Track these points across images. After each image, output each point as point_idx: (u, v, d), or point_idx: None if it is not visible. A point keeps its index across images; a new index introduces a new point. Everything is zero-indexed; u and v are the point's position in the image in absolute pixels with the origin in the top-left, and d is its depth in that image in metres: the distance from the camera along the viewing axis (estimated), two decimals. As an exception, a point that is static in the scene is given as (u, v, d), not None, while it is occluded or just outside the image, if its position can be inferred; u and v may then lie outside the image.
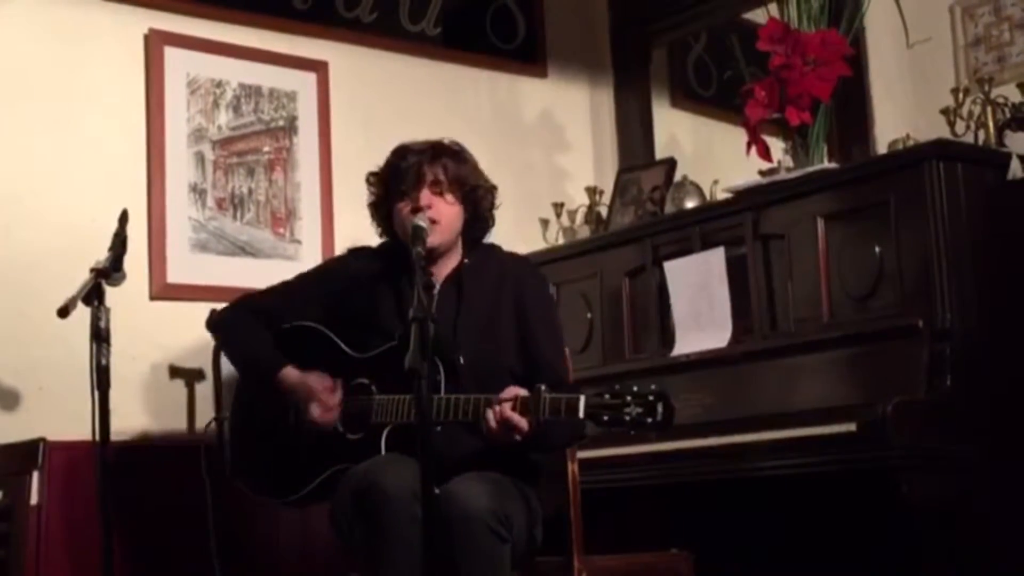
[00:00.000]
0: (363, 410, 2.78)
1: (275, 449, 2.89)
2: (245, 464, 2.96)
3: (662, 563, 3.15)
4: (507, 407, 2.56)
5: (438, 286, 2.83)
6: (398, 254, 2.90)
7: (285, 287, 3.04)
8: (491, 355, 2.81)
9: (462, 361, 2.76)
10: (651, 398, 2.47)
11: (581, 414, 2.51)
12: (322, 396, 2.81)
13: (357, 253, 3.06)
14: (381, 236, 3.01)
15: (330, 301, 2.93)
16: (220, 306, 3.60)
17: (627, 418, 2.47)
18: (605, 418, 2.49)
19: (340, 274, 2.98)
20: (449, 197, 2.84)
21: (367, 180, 2.96)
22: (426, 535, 2.24)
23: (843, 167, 3.53)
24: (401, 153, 2.88)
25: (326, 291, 2.95)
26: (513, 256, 3.00)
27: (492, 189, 2.96)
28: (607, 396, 2.50)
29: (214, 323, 3.10)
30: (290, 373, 2.86)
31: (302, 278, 3.05)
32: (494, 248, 3.00)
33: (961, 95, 3.54)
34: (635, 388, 2.50)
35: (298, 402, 2.84)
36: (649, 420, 2.46)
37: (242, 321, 2.98)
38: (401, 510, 2.48)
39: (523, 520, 2.67)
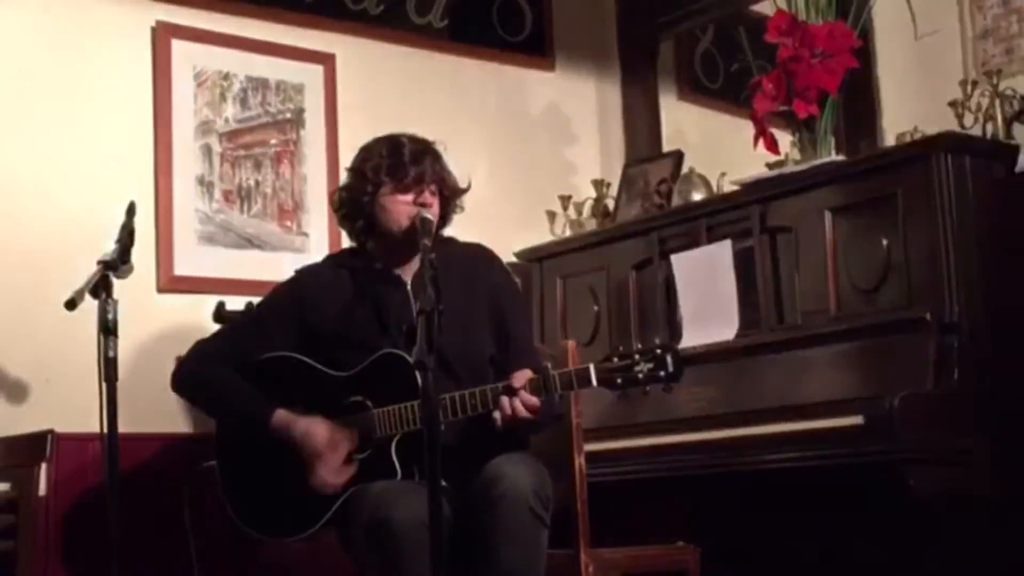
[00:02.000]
0: (365, 427, 2.73)
1: (277, 484, 2.77)
2: (244, 506, 2.82)
3: (668, 556, 3.15)
4: (524, 392, 2.57)
5: (409, 284, 2.82)
6: (354, 259, 2.90)
7: (246, 325, 2.98)
8: (473, 346, 2.81)
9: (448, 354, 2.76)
10: (659, 351, 2.50)
11: (594, 382, 2.53)
12: (327, 456, 2.70)
13: (305, 272, 2.96)
14: (350, 228, 2.92)
15: (297, 326, 2.84)
16: (226, 299, 3.63)
17: (640, 375, 2.50)
18: (619, 380, 2.52)
19: (297, 297, 2.88)
20: (438, 197, 2.85)
21: (359, 170, 2.86)
22: (435, 537, 2.22)
23: (850, 160, 3.53)
24: (397, 146, 2.83)
25: (290, 318, 2.85)
26: (471, 246, 2.97)
27: (463, 192, 2.93)
28: (615, 359, 2.53)
29: (180, 383, 2.90)
30: (283, 423, 2.74)
31: (260, 311, 2.96)
32: (449, 239, 2.95)
33: (969, 87, 3.54)
34: (639, 345, 2.54)
35: (300, 456, 2.72)
36: (662, 373, 2.49)
37: (211, 372, 2.84)
38: (416, 543, 2.42)
39: (555, 503, 2.68)
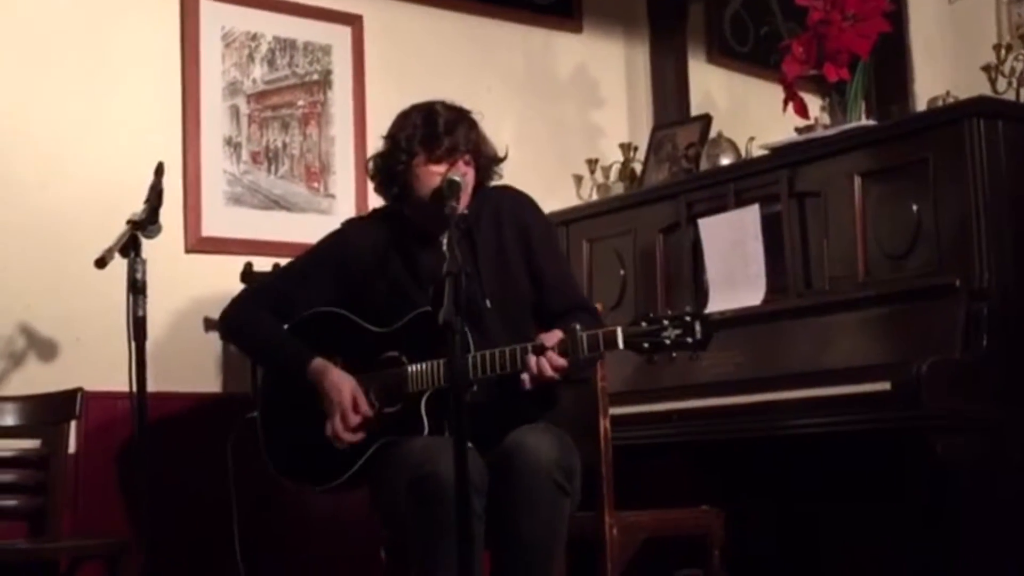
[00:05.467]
0: (397, 381, 2.76)
1: (310, 434, 2.82)
2: (280, 453, 2.90)
3: (693, 519, 3.16)
4: (552, 353, 2.56)
5: (444, 244, 2.80)
6: (395, 219, 2.91)
7: (291, 273, 3.00)
8: (512, 292, 2.83)
9: (489, 305, 2.77)
10: (688, 318, 2.47)
11: (620, 345, 2.52)
12: (347, 412, 2.73)
13: (351, 224, 3.03)
14: (385, 195, 2.93)
15: (340, 280, 2.89)
16: (253, 260, 3.65)
17: (667, 341, 2.48)
18: (645, 345, 2.50)
19: (342, 250, 2.93)
20: (472, 165, 2.84)
21: (393, 138, 2.85)
22: (461, 497, 2.23)
23: (881, 124, 3.50)
24: (432, 115, 2.82)
25: (334, 270, 2.90)
26: (502, 188, 2.96)
27: (501, 160, 2.93)
28: (643, 324, 2.51)
29: (226, 326, 3.01)
30: (319, 371, 2.79)
31: (305, 261, 2.99)
32: (480, 187, 2.93)
33: (1003, 51, 3.49)
34: (670, 312, 2.51)
35: (323, 405, 2.77)
36: (689, 340, 2.47)
37: (256, 318, 2.91)
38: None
39: (580, 473, 2.69)
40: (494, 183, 2.95)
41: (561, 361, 2.56)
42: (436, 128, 2.79)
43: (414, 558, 2.60)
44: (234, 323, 2.98)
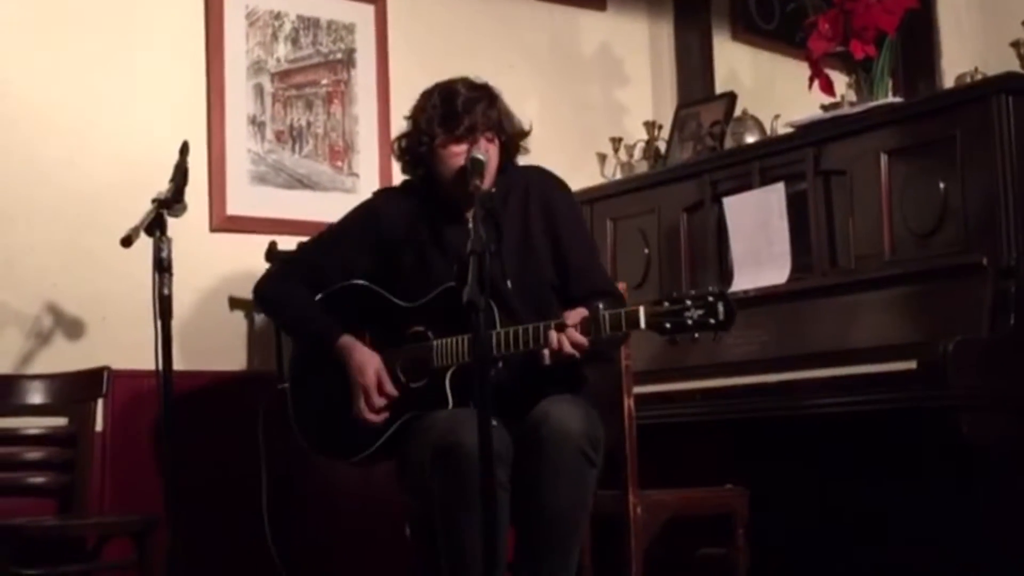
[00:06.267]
0: (423, 356, 2.76)
1: (338, 407, 2.84)
2: (309, 425, 2.92)
3: (717, 498, 3.16)
4: (573, 331, 2.56)
5: (471, 223, 2.81)
6: (425, 192, 2.90)
7: (322, 243, 3.00)
8: (533, 273, 2.82)
9: (509, 286, 2.77)
10: (711, 299, 2.45)
11: (642, 325, 2.50)
12: (371, 393, 2.76)
13: (382, 194, 3.03)
14: (412, 174, 2.93)
15: (371, 249, 2.90)
16: (277, 239, 3.66)
17: (689, 322, 2.46)
18: (667, 325, 2.48)
19: (373, 219, 2.93)
20: (495, 143, 2.83)
21: (414, 120, 2.86)
22: (486, 473, 2.23)
23: (908, 102, 3.47)
24: (450, 95, 2.80)
25: (365, 239, 2.91)
26: (531, 169, 2.95)
27: (526, 135, 2.91)
28: (666, 304, 2.49)
29: (260, 296, 3.03)
30: (346, 348, 2.81)
31: (336, 231, 2.99)
32: (510, 165, 2.92)
33: (1032, 28, 3.46)
34: (693, 292, 2.50)
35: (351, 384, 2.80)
36: (712, 321, 2.45)
37: (289, 291, 2.93)
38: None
39: (605, 445, 2.69)
40: (522, 161, 2.93)
41: (581, 339, 2.56)
42: (455, 107, 2.77)
43: (439, 528, 2.61)
44: (267, 295, 3.00)
